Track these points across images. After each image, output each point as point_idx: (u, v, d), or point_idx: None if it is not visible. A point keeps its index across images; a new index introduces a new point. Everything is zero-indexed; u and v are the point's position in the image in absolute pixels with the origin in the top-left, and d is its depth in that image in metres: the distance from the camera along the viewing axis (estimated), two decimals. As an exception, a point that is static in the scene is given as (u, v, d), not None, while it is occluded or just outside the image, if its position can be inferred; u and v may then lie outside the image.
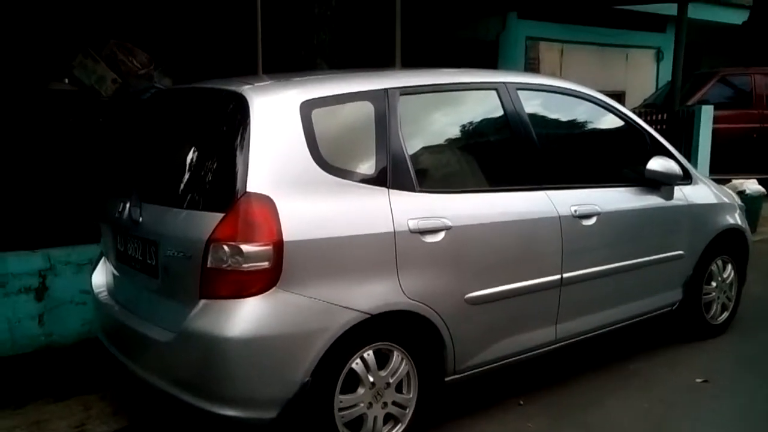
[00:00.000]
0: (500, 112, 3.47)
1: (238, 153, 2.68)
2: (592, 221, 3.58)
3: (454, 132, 3.47)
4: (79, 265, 4.14)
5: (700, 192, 4.32)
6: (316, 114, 2.84)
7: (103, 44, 4.56)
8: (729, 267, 4.55)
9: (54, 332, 4.12)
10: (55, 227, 4.17)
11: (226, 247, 2.57)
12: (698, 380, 3.80)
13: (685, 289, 4.25)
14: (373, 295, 2.81)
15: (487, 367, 3.31)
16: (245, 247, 2.56)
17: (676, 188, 4.07)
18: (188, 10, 4.94)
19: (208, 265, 2.61)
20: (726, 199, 4.57)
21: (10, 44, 4.41)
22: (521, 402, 3.59)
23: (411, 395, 3.02)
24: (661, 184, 3.97)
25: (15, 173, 4.19)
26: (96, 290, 3.49)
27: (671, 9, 8.87)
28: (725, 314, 4.57)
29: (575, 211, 3.52)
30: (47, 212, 4.21)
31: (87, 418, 3.55)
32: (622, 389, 3.76)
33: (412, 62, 5.45)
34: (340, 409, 2.81)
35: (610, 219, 3.68)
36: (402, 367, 2.96)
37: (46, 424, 3.53)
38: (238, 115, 2.76)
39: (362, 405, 2.87)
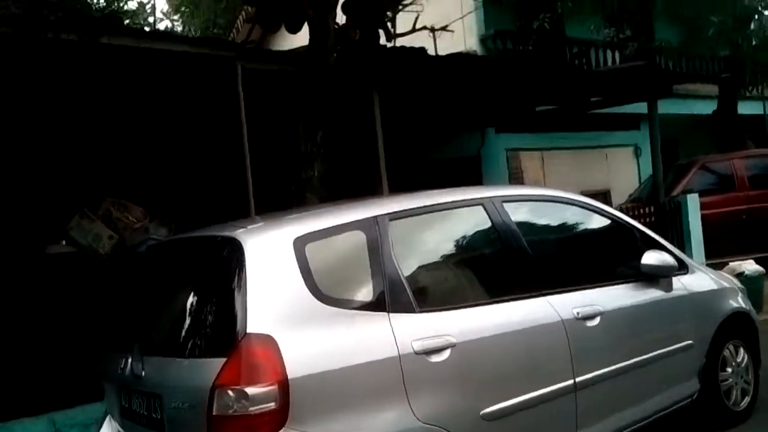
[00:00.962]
0: (489, 225, 3.55)
1: (236, 295, 2.71)
2: (596, 321, 3.57)
3: (447, 249, 3.54)
4: (85, 425, 4.05)
5: (698, 280, 4.33)
6: (310, 248, 2.90)
7: (99, 204, 4.70)
8: (741, 351, 4.49)
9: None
10: (58, 389, 4.12)
11: (230, 392, 2.54)
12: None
13: (702, 378, 4.17)
14: (385, 424, 2.75)
15: None
16: (250, 390, 2.53)
17: (675, 279, 4.09)
18: (179, 161, 5.14)
19: (214, 413, 2.56)
20: (726, 284, 4.58)
21: (5, 211, 4.54)
22: None
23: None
24: (659, 276, 3.99)
25: (15, 340, 4.18)
26: (102, 451, 3.39)
27: (643, 107, 9.26)
28: (746, 399, 4.45)
29: (578, 313, 3.52)
30: (50, 375, 4.17)
31: None
32: None
33: (399, 184, 5.64)
34: None
35: (613, 317, 3.67)
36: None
37: None
38: (234, 258, 2.82)
39: None
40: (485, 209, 3.56)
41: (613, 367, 3.62)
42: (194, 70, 5.07)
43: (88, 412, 4.06)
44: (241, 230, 2.97)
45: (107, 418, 3.52)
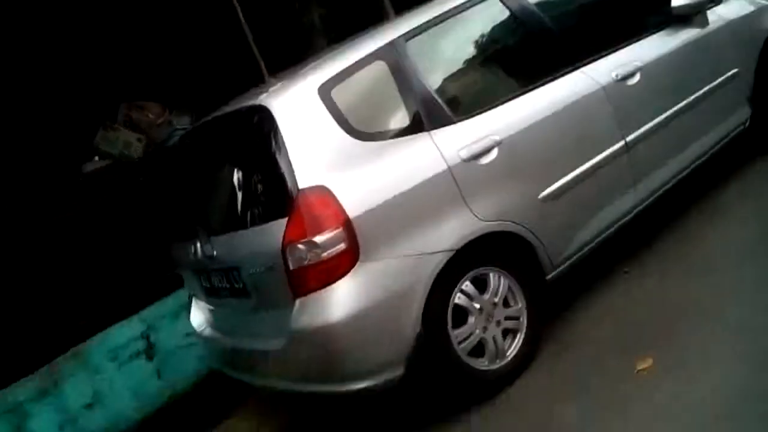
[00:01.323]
0: (507, 14, 3.48)
1: (278, 158, 2.81)
2: (636, 78, 3.55)
3: (470, 52, 3.51)
4: (174, 314, 4.34)
5: (733, 6, 4.18)
6: (336, 92, 2.94)
7: (116, 111, 4.71)
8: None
9: (175, 381, 4.35)
10: (139, 291, 4.38)
11: (301, 246, 2.71)
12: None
13: (751, 103, 4.14)
14: (451, 232, 2.91)
15: (583, 251, 3.37)
16: (318, 239, 2.69)
17: (709, 12, 3.95)
18: (179, 45, 5.01)
19: (291, 268, 2.75)
20: (764, 1, 4.35)
21: (33, 142, 4.60)
22: (626, 270, 3.62)
23: (520, 305, 3.14)
24: (692, 15, 3.87)
25: (88, 259, 4.40)
26: (199, 329, 3.69)
27: None
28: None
29: (616, 75, 3.50)
30: (127, 281, 4.42)
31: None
32: (720, 221, 3.72)
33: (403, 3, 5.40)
34: (459, 342, 2.95)
35: (653, 69, 3.64)
36: (502, 284, 3.08)
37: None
38: (266, 124, 2.88)
39: (477, 331, 3.00)
40: None
41: (662, 117, 3.63)
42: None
43: (174, 301, 4.36)
44: (264, 95, 3.00)
45: (193, 301, 3.79)
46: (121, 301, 4.39)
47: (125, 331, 4.26)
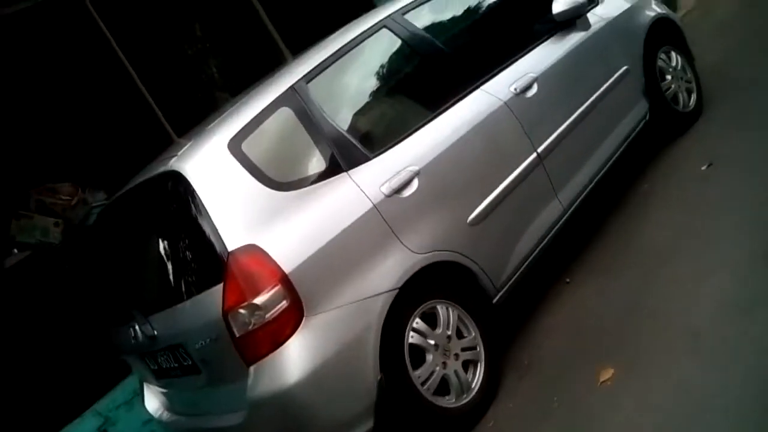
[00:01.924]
0: (399, 42, 3.46)
1: (201, 222, 2.68)
2: (534, 90, 3.57)
3: (372, 85, 3.47)
4: (127, 402, 4.13)
5: (611, 5, 4.30)
6: (246, 145, 2.84)
7: (26, 198, 4.50)
8: (673, 54, 4.55)
9: (143, 471, 4.12)
10: (86, 385, 4.15)
11: (242, 311, 2.57)
12: (703, 167, 3.78)
13: (648, 95, 4.27)
14: (389, 271, 2.82)
15: (521, 269, 3.34)
16: (259, 300, 2.56)
17: (589, 15, 4.06)
18: (79, 119, 4.83)
19: (237, 335, 2.61)
20: None
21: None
22: (567, 280, 3.63)
23: (473, 333, 3.07)
24: (574, 19, 3.95)
25: (21, 360, 4.15)
26: (156, 414, 3.49)
27: None
28: (693, 97, 4.57)
29: (515, 89, 3.51)
30: (71, 376, 4.19)
31: None
32: (647, 210, 3.79)
33: (296, 39, 5.35)
34: (423, 383, 2.85)
35: (548, 78, 3.66)
36: (451, 316, 3.00)
37: None
38: (181, 189, 2.76)
39: (438, 368, 2.91)
40: (390, 29, 3.44)
41: (567, 123, 3.67)
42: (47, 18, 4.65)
43: (125, 388, 4.14)
44: (174, 159, 2.87)
45: (145, 386, 3.59)
46: (71, 397, 4.15)
47: (82, 429, 4.02)
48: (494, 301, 3.20)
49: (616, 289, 3.26)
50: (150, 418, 3.61)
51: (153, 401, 3.52)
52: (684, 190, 3.76)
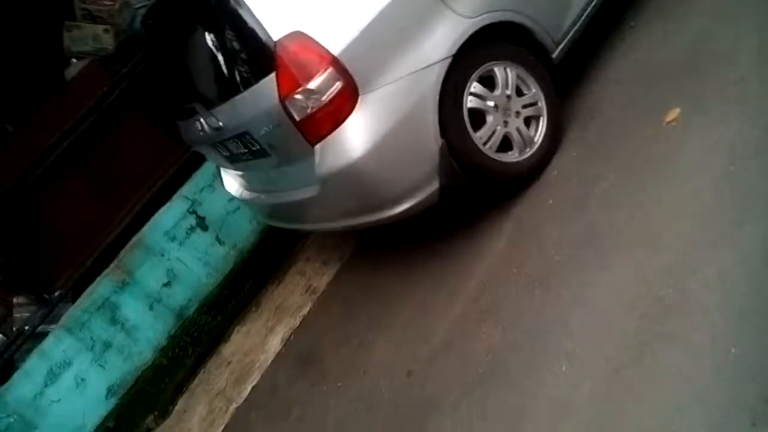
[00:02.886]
0: None
1: (243, 15, 2.67)
2: None
3: None
4: (209, 185, 4.44)
5: None
6: None
7: (71, 10, 4.49)
8: None
9: (235, 242, 4.56)
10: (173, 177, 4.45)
11: (298, 96, 2.65)
12: None
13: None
14: (441, 39, 2.78)
15: (582, 18, 3.21)
16: (312, 84, 2.62)
17: None
18: None
19: (298, 120, 2.71)
20: None
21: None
22: (632, 24, 3.46)
23: (533, 90, 3.06)
24: None
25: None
26: (237, 195, 3.77)
27: None
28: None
29: None
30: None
31: (308, 281, 4.05)
32: None
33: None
34: (485, 143, 2.93)
35: None
36: (510, 75, 2.97)
37: (282, 303, 4.08)
38: None
39: (499, 128, 2.97)
40: None
41: None
42: None
43: (205, 174, 4.44)
44: None
45: (222, 171, 3.84)
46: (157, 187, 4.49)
47: (171, 213, 4.40)
48: (554, 55, 3.13)
49: (682, 31, 3.10)
50: (232, 197, 3.92)
51: (231, 183, 3.79)
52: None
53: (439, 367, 2.72)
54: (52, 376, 4.04)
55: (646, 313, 2.15)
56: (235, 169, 3.59)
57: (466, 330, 2.76)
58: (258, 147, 3.06)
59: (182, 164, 4.52)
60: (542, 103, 3.08)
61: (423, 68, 2.73)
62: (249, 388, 3.73)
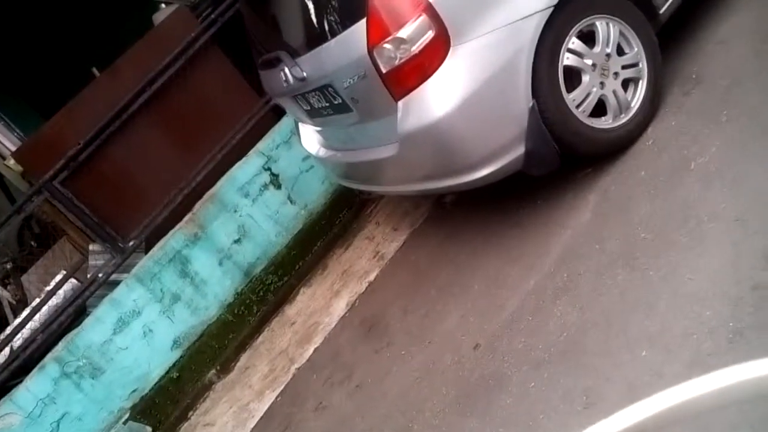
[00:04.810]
0: None
1: None
2: None
3: None
4: (286, 142, 4.42)
5: None
6: None
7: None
8: None
9: (306, 203, 4.53)
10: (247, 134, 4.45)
11: (388, 45, 2.55)
12: None
13: None
14: None
15: None
16: (403, 33, 2.51)
17: None
18: None
19: (384, 71, 2.61)
20: None
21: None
22: None
23: (636, 49, 2.86)
24: None
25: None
26: (314, 152, 3.72)
27: None
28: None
29: None
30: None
31: (376, 246, 3.98)
32: None
33: None
34: (578, 106, 2.77)
35: None
36: (612, 31, 2.79)
37: (349, 267, 4.03)
38: None
39: (595, 89, 2.80)
40: None
41: None
42: None
43: (282, 130, 4.43)
44: None
45: (299, 126, 3.79)
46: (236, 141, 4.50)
47: (247, 168, 4.41)
48: (661, 11, 2.92)
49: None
50: (308, 155, 3.87)
51: (309, 139, 3.74)
52: None
53: (509, 343, 2.60)
54: (122, 324, 4.13)
55: (741, 300, 1.98)
56: (314, 125, 3.54)
57: (540, 307, 2.63)
58: (340, 101, 2.99)
59: (261, 118, 4.51)
60: (644, 65, 2.87)
61: (521, 19, 2.58)
62: (311, 350, 3.69)
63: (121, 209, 4.42)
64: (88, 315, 4.15)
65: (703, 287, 2.13)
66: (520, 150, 2.70)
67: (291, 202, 4.49)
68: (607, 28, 2.77)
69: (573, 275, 2.62)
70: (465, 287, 3.09)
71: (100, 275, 4.27)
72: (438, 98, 2.60)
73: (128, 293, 4.15)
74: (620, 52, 2.84)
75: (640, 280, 2.35)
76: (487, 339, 2.70)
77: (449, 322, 3.00)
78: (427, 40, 2.51)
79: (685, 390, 0.75)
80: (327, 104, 3.11)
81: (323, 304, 3.96)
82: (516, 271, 2.89)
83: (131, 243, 4.35)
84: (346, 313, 3.74)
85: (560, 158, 2.83)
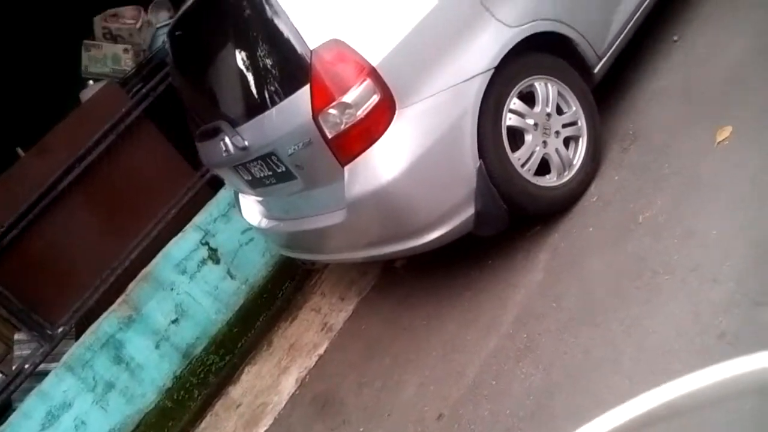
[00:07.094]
0: None
1: (277, 23, 2.55)
2: None
3: None
4: (224, 215, 4.29)
5: None
6: None
7: (92, 28, 4.43)
8: None
9: (247, 277, 4.37)
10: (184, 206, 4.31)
11: (332, 110, 2.51)
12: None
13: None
14: (483, 50, 2.65)
15: (625, 32, 3.11)
16: (347, 97, 2.48)
17: None
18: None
19: (330, 137, 2.56)
20: None
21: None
22: (675, 38, 3.34)
23: (574, 107, 2.92)
24: None
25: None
26: (255, 223, 3.60)
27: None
28: None
29: None
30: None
31: (323, 318, 3.85)
32: None
33: None
34: (522, 165, 2.78)
35: None
36: (550, 91, 2.84)
37: (296, 341, 3.87)
38: None
39: (538, 148, 2.82)
40: None
41: None
42: None
43: (220, 203, 4.29)
44: None
45: (240, 197, 3.68)
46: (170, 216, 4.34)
47: (183, 244, 4.24)
48: (595, 71, 3.01)
49: (730, 45, 2.96)
50: (249, 227, 3.75)
51: (250, 210, 3.62)
52: None
53: (474, 411, 2.50)
54: (51, 418, 3.82)
55: (709, 349, 1.95)
56: (256, 195, 3.44)
57: (502, 370, 2.55)
58: (284, 168, 2.91)
59: (198, 191, 4.38)
60: (582, 123, 2.93)
61: (464, 81, 2.59)
62: (261, 433, 3.48)
63: (49, 294, 4.15)
64: (13, 411, 3.81)
65: (668, 339, 2.10)
66: (469, 211, 2.68)
67: (231, 276, 4.32)
68: (545, 88, 2.82)
69: (533, 335, 2.56)
70: (422, 354, 2.99)
71: (26, 366, 3.97)
72: (385, 162, 2.56)
73: (58, 384, 3.86)
74: (560, 111, 2.89)
75: (602, 337, 2.31)
76: (451, 407, 2.60)
77: (408, 392, 2.88)
78: (373, 104, 2.49)
79: (684, 384, 0.76)
80: (270, 173, 3.03)
81: (270, 383, 3.76)
82: (473, 335, 2.82)
83: (60, 329, 4.07)
84: (296, 390, 3.56)
85: (509, 217, 2.81)
